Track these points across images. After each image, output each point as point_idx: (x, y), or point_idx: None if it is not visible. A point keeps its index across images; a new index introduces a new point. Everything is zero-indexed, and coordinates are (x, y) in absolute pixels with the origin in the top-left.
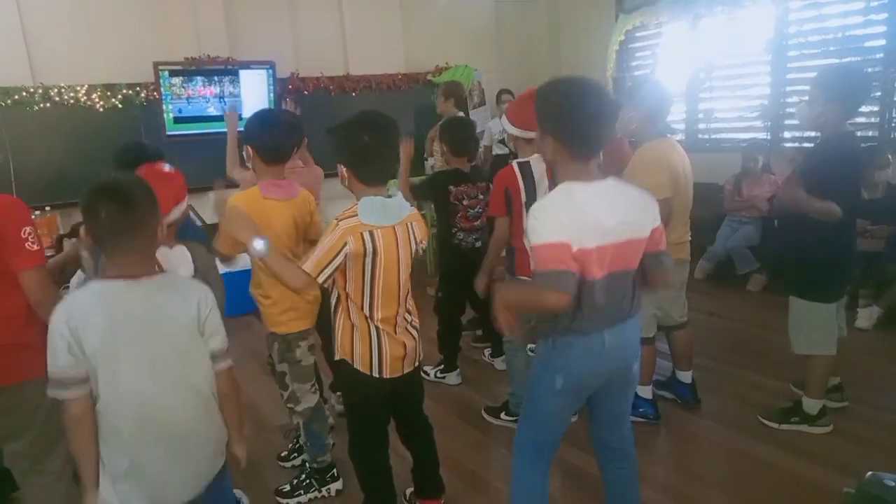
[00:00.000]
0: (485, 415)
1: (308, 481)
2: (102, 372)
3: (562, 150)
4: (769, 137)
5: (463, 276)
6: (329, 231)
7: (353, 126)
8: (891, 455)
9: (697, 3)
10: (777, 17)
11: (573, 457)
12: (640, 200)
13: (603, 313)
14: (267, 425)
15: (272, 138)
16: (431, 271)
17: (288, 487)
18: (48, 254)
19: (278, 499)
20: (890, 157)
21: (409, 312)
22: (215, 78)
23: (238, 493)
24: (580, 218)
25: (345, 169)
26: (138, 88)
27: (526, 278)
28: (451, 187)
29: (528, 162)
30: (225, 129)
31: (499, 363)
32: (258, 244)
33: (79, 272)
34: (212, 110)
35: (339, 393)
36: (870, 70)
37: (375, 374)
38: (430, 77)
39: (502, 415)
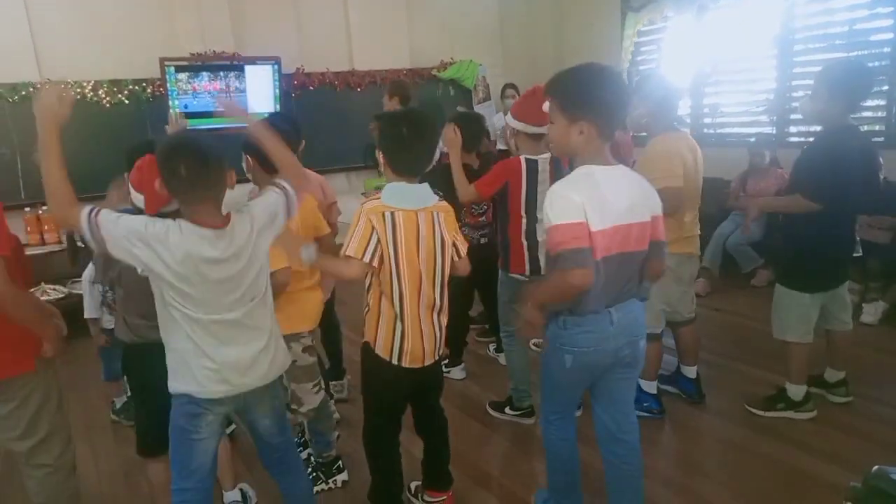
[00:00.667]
0: (489, 409)
1: (315, 474)
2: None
3: (593, 134)
4: (775, 132)
5: (474, 273)
6: (355, 216)
7: (396, 118)
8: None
9: None
10: (783, 11)
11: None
12: (645, 188)
13: (611, 292)
14: None
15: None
16: None
17: None
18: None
19: None
20: (881, 159)
21: (437, 305)
22: (221, 73)
23: (244, 486)
24: (598, 199)
25: (382, 156)
26: (144, 84)
27: (518, 276)
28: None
29: (537, 161)
30: (230, 125)
31: (503, 358)
32: (307, 252)
33: (90, 266)
34: (218, 106)
35: (341, 381)
36: (876, 64)
37: (395, 362)
38: (434, 72)
39: (507, 409)
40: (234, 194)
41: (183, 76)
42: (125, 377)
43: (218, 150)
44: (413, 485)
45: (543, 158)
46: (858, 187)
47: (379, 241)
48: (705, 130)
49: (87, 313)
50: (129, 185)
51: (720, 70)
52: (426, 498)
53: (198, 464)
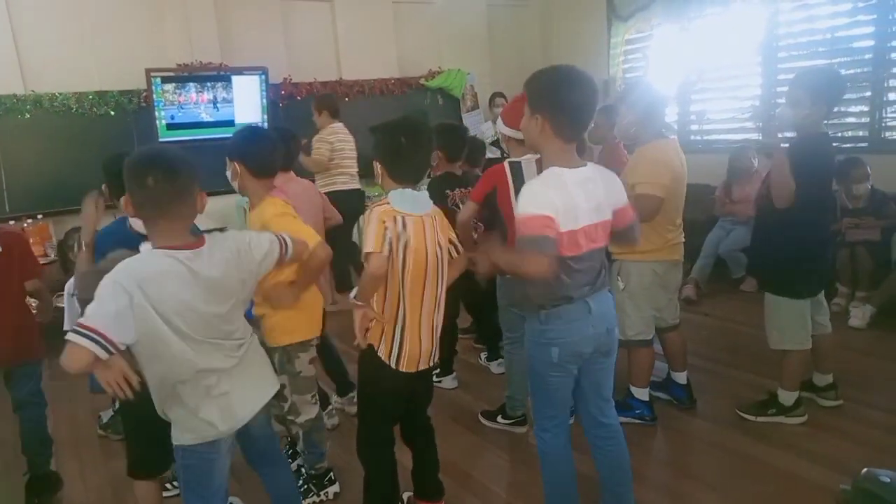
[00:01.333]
0: (481, 418)
1: (306, 486)
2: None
3: (549, 131)
4: (761, 138)
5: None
6: (367, 219)
7: (393, 128)
8: (885, 453)
9: (689, 7)
10: (767, 19)
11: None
12: (610, 185)
13: (587, 284)
14: None
15: (261, 152)
16: None
17: None
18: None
19: None
20: (869, 168)
21: (437, 308)
22: (208, 84)
23: (235, 499)
24: (568, 200)
25: (380, 166)
26: (131, 95)
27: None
28: (448, 191)
29: (520, 162)
30: (217, 136)
31: (494, 367)
32: (353, 294)
33: (72, 279)
34: (204, 116)
35: (349, 396)
36: (858, 71)
37: (393, 366)
38: (422, 81)
39: (499, 418)
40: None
41: (169, 87)
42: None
43: (190, 164)
44: (405, 495)
45: (527, 159)
46: (829, 189)
47: (390, 234)
48: (692, 137)
49: (68, 326)
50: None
51: (706, 77)
52: None
53: (218, 484)
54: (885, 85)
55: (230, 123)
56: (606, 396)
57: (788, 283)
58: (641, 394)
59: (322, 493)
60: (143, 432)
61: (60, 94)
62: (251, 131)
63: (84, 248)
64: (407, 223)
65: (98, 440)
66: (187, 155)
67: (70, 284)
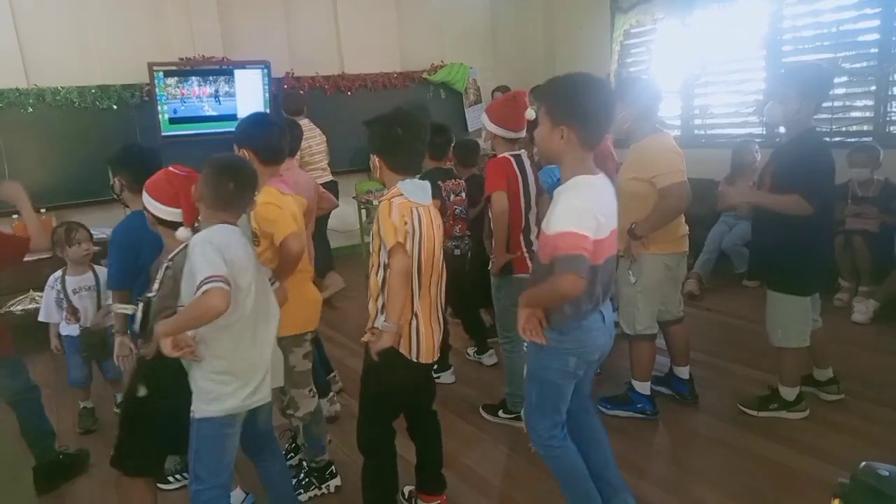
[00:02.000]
0: (482, 412)
1: (308, 479)
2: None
3: (575, 141)
4: (765, 133)
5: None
6: (386, 211)
7: (389, 120)
8: (886, 448)
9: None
10: (771, 12)
11: None
12: (614, 195)
13: (602, 292)
14: None
15: (270, 139)
16: None
17: None
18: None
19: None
20: (882, 154)
21: (441, 301)
22: (210, 78)
23: (238, 493)
24: (597, 209)
25: (377, 159)
26: (133, 89)
27: (524, 276)
28: (440, 182)
29: (520, 155)
30: (220, 130)
31: (486, 359)
32: (387, 326)
33: (59, 272)
34: (207, 110)
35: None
36: (864, 64)
37: (414, 359)
38: (425, 75)
39: (500, 412)
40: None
41: (172, 81)
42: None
43: (255, 173)
44: (406, 489)
45: (522, 154)
46: (832, 185)
47: (409, 233)
48: (695, 132)
49: (43, 317)
50: (147, 196)
51: (709, 72)
52: (420, 502)
53: (228, 459)
54: (891, 79)
55: (233, 117)
56: (587, 390)
57: (793, 280)
58: (643, 387)
59: (324, 486)
60: (150, 427)
61: (63, 88)
62: (260, 118)
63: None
64: (421, 214)
65: (102, 432)
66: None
67: (54, 278)
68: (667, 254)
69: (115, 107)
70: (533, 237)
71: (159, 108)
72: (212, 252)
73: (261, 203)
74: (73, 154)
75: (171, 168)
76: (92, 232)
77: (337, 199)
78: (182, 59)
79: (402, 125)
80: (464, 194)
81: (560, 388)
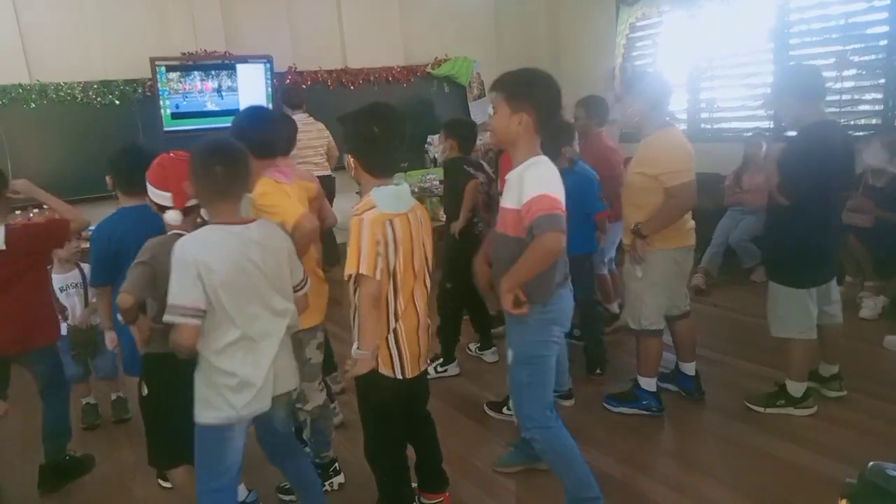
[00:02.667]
0: (487, 409)
1: None
2: (227, 301)
3: (531, 127)
4: (772, 126)
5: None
6: (356, 229)
7: (364, 116)
8: (893, 445)
9: None
10: (779, 4)
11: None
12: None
13: (566, 263)
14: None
15: (261, 132)
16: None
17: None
18: None
19: (281, 496)
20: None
21: (425, 308)
22: (213, 73)
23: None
24: (559, 185)
25: (352, 159)
26: (135, 84)
27: None
28: (469, 169)
29: None
30: (223, 125)
31: (488, 356)
32: (362, 354)
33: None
34: (209, 105)
35: (333, 374)
36: (872, 57)
37: (399, 376)
38: (428, 69)
39: (504, 409)
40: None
41: (174, 76)
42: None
43: (246, 152)
44: None
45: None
46: (841, 178)
47: (380, 254)
48: (702, 126)
49: None
50: (147, 182)
51: (716, 64)
52: (423, 500)
53: (230, 462)
54: None
55: (235, 112)
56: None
57: (791, 272)
58: (648, 384)
59: (327, 482)
60: (165, 423)
61: (65, 83)
62: (253, 111)
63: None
64: (395, 226)
65: (104, 430)
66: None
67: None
68: (674, 248)
69: (117, 102)
70: None
71: (161, 103)
72: (186, 274)
73: (258, 195)
74: (76, 150)
75: (168, 153)
76: (92, 228)
77: (334, 194)
78: (184, 53)
79: (378, 122)
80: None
81: (547, 361)
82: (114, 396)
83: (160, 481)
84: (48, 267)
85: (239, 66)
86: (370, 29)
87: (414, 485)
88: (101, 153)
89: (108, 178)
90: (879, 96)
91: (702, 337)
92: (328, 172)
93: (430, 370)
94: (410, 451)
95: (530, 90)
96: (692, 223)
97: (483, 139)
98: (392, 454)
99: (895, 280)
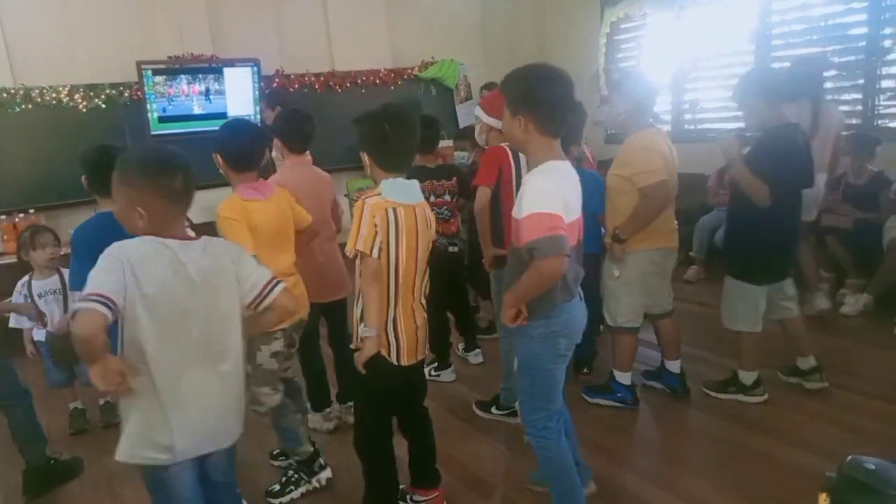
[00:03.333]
0: (476, 409)
1: (296, 476)
2: (151, 318)
3: (533, 130)
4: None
5: (446, 276)
6: (358, 212)
7: (376, 117)
8: (876, 440)
9: None
10: (760, 6)
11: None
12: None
13: (578, 276)
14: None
15: (239, 146)
16: None
17: (278, 487)
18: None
19: (270, 500)
20: (879, 144)
21: (423, 301)
22: (199, 76)
23: None
24: (566, 193)
25: (367, 157)
26: (122, 88)
27: None
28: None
29: None
30: (210, 129)
31: (472, 357)
32: (367, 331)
33: (25, 277)
34: (196, 109)
35: (348, 404)
36: (852, 58)
37: (394, 362)
38: (416, 72)
39: (493, 409)
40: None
41: (160, 79)
42: None
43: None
44: (400, 488)
45: None
46: (800, 179)
47: (379, 237)
48: (686, 126)
49: (15, 323)
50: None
51: (699, 66)
52: (416, 498)
53: (188, 498)
54: (879, 73)
55: (223, 116)
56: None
57: (748, 269)
58: (624, 377)
59: (314, 479)
60: None
61: (50, 87)
62: (232, 124)
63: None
64: (399, 214)
65: (93, 434)
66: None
67: (21, 283)
68: (652, 249)
69: (103, 106)
70: None
71: (148, 106)
72: (109, 268)
73: (223, 217)
74: (62, 154)
75: None
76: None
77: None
78: (171, 57)
79: (390, 122)
80: (447, 196)
81: (552, 374)
82: (102, 401)
83: None
84: (28, 275)
85: (226, 70)
86: (357, 32)
87: (403, 486)
88: None
89: (83, 179)
90: (859, 97)
91: (687, 335)
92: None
93: (425, 373)
94: (402, 450)
95: (526, 92)
96: (674, 225)
97: (479, 140)
98: (379, 446)
99: (876, 277)
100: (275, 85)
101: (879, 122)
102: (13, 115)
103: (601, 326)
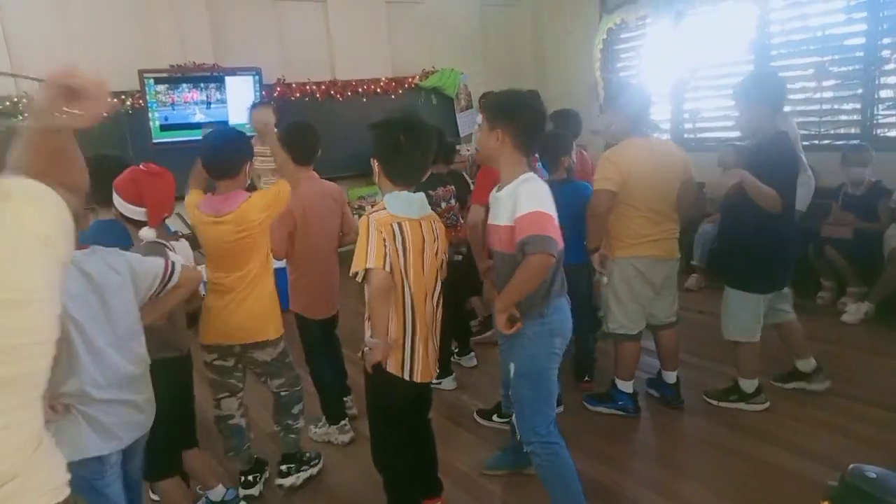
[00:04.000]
0: (477, 417)
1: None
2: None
3: (509, 143)
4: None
5: (450, 284)
6: (364, 228)
7: (393, 124)
8: (877, 448)
9: (680, 1)
10: (759, 16)
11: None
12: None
13: (563, 277)
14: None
15: (213, 155)
16: None
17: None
18: None
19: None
20: (873, 153)
21: (437, 315)
22: (201, 85)
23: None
24: (551, 202)
25: (376, 164)
26: (124, 96)
27: None
28: (430, 191)
29: None
30: None
31: (465, 361)
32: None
33: None
34: (198, 117)
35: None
36: (850, 68)
37: (407, 378)
38: (416, 81)
39: (494, 417)
40: None
41: (162, 88)
42: None
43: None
44: None
45: None
46: (793, 187)
47: (388, 253)
48: (685, 136)
49: None
50: (114, 192)
51: (699, 76)
52: None
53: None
54: (877, 82)
55: (224, 124)
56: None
57: (745, 277)
58: (625, 386)
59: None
60: (163, 436)
61: None
62: (214, 132)
63: None
64: (404, 229)
65: None
66: None
67: None
68: (632, 256)
69: (105, 114)
70: None
71: (150, 115)
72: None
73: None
74: None
75: (140, 166)
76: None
77: None
78: (172, 66)
79: (405, 131)
80: (453, 200)
81: (550, 374)
82: None
83: (151, 494)
84: None
85: (227, 79)
86: (358, 41)
87: None
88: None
89: None
90: (858, 106)
91: (688, 344)
92: None
93: None
94: None
95: (506, 108)
96: (657, 234)
97: (470, 150)
98: (398, 456)
99: (877, 286)
100: (276, 93)
101: (878, 131)
102: (17, 124)
103: (596, 335)
